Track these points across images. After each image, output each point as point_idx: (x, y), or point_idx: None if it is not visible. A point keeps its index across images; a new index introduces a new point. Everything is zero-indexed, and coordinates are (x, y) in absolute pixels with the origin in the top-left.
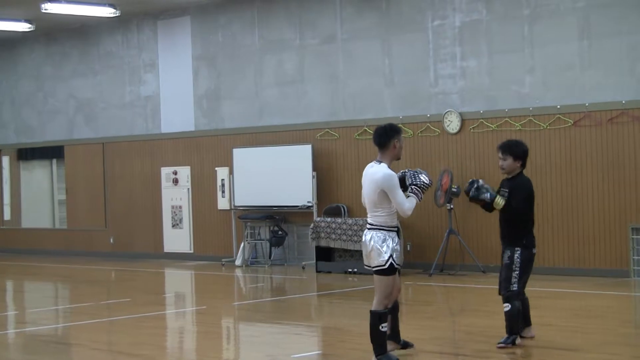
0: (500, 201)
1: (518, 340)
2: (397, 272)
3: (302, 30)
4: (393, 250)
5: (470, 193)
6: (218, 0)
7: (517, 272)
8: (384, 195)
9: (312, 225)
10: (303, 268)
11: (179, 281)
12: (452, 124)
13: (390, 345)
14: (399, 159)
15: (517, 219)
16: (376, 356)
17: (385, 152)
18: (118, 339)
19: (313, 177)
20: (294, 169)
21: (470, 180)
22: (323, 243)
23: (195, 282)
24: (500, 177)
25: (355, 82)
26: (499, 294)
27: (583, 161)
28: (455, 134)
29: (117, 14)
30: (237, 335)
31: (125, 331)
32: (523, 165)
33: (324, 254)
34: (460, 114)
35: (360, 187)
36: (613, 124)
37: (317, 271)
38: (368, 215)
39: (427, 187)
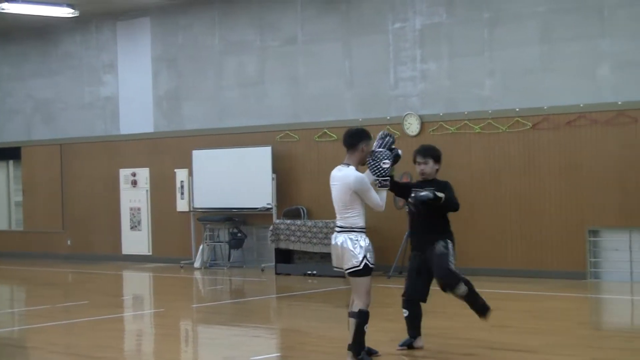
0: (441, 194)
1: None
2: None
3: (263, 32)
4: (367, 250)
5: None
6: (178, 2)
7: (452, 260)
8: (355, 197)
9: (271, 227)
10: (262, 270)
11: (137, 283)
12: (412, 126)
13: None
14: (364, 164)
15: (452, 210)
16: (357, 356)
17: (353, 155)
18: (76, 342)
19: (273, 179)
20: (254, 171)
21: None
22: (282, 245)
23: (153, 285)
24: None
25: (316, 85)
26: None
27: (541, 164)
28: (415, 136)
29: (76, 15)
30: (195, 338)
31: (83, 334)
32: (438, 169)
33: (284, 256)
34: (420, 116)
35: (320, 189)
36: (571, 127)
37: (277, 273)
38: (337, 218)
39: (387, 172)
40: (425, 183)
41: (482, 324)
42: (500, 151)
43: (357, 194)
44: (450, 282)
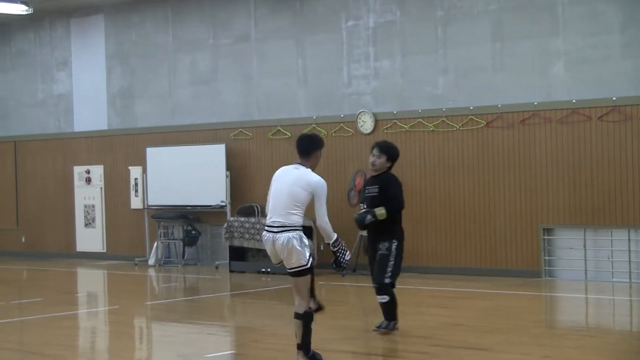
0: (381, 211)
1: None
2: None
3: (216, 29)
4: (310, 248)
5: (365, 221)
6: None
7: (393, 263)
8: (309, 199)
9: (225, 225)
10: (216, 268)
11: (91, 281)
12: (366, 124)
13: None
14: (313, 169)
15: (395, 212)
16: (307, 355)
17: (307, 161)
18: (29, 339)
19: (227, 176)
20: (208, 169)
21: (359, 215)
22: (236, 243)
23: (107, 282)
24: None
25: (269, 82)
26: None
27: (495, 162)
28: (369, 134)
29: (30, 12)
30: (149, 335)
31: (36, 331)
32: (391, 167)
33: (238, 254)
34: (374, 114)
35: None
36: (525, 125)
37: (231, 271)
38: (275, 215)
39: (344, 262)
40: (374, 178)
41: (436, 323)
42: (454, 149)
43: (314, 196)
44: (379, 290)
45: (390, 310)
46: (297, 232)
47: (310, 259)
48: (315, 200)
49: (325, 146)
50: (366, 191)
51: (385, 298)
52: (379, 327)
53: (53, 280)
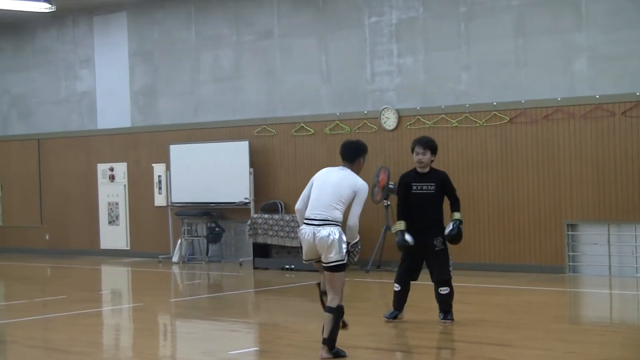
0: (460, 216)
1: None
2: None
3: (239, 26)
4: (346, 244)
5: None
6: None
7: (449, 257)
8: (352, 198)
9: (249, 221)
10: (240, 265)
11: (115, 278)
12: (389, 120)
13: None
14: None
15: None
16: (331, 350)
17: (351, 166)
18: (53, 336)
19: (250, 173)
20: (231, 166)
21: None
22: (260, 240)
23: (131, 279)
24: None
25: (292, 79)
26: (395, 281)
27: (519, 158)
28: (392, 130)
29: (53, 10)
30: (173, 332)
31: (60, 328)
32: (432, 161)
33: (261, 251)
34: (397, 110)
35: (297, 184)
36: (548, 121)
37: (255, 268)
38: (317, 211)
39: (352, 261)
40: (422, 175)
41: (458, 319)
42: (477, 145)
43: (356, 196)
44: (443, 283)
45: (449, 301)
46: (338, 227)
47: (347, 256)
48: (354, 200)
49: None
50: (415, 188)
51: (447, 289)
52: (443, 319)
53: (77, 277)
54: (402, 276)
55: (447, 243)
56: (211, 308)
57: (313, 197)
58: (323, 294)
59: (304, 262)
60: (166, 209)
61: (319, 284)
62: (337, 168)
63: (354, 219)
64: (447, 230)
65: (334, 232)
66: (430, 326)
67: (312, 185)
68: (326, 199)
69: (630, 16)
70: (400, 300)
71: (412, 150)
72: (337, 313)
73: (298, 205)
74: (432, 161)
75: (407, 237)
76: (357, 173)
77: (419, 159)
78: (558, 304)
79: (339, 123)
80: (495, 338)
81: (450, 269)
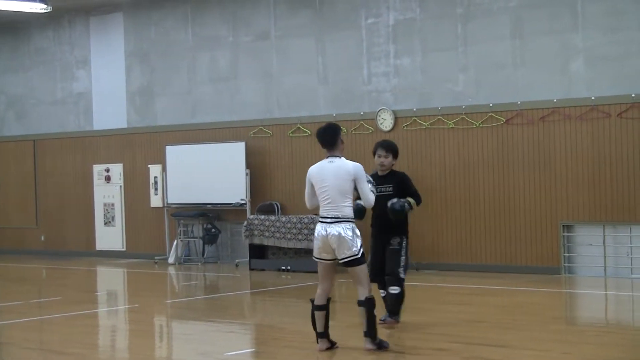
0: (414, 203)
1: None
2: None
3: (236, 27)
4: (360, 238)
5: (405, 211)
6: None
7: (404, 258)
8: (353, 186)
9: (245, 222)
10: (236, 266)
11: (111, 279)
12: (386, 121)
13: (323, 344)
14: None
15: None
16: (375, 341)
17: (336, 150)
18: (49, 338)
19: (246, 174)
20: (228, 167)
21: (400, 205)
22: (256, 241)
23: (127, 280)
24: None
25: (289, 80)
26: (374, 280)
27: (515, 159)
28: (389, 131)
29: (49, 10)
30: (169, 333)
31: (56, 330)
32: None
33: (258, 252)
34: (394, 111)
35: (294, 185)
36: (545, 122)
37: (251, 269)
38: (329, 209)
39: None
40: (382, 177)
41: (455, 319)
42: (474, 146)
43: (356, 180)
44: (393, 281)
45: (398, 304)
46: (350, 223)
47: (362, 250)
48: (357, 184)
49: (345, 144)
50: (377, 191)
51: (397, 289)
52: (383, 320)
53: (73, 278)
54: (376, 280)
55: (404, 244)
56: (207, 309)
57: (321, 197)
58: (316, 308)
59: (315, 259)
60: (162, 210)
61: (312, 300)
62: (326, 161)
63: (368, 198)
64: (389, 202)
65: (346, 228)
66: (426, 327)
67: (311, 184)
68: (332, 198)
69: (626, 17)
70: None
71: (374, 153)
72: (368, 304)
73: (308, 205)
74: (392, 165)
75: (405, 207)
76: (342, 152)
77: (381, 162)
78: (554, 305)
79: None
80: (491, 339)
81: (402, 269)
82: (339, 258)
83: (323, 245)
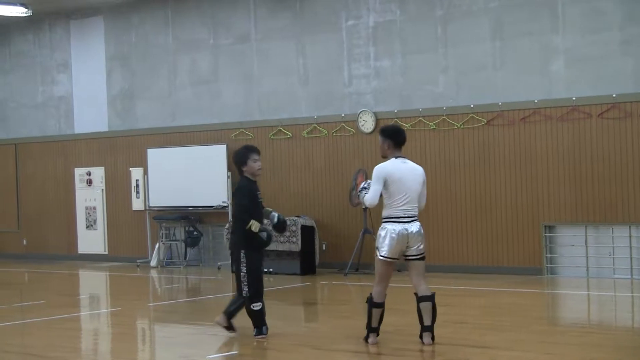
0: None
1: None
2: None
3: (216, 30)
4: None
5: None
6: (131, 0)
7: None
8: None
9: (227, 225)
10: (219, 268)
11: (93, 283)
12: (367, 123)
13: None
14: None
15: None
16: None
17: (401, 150)
18: (31, 342)
19: (228, 177)
20: (209, 169)
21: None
22: None
23: (110, 284)
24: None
25: (270, 82)
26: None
27: (496, 160)
28: (370, 133)
29: (29, 14)
30: (152, 336)
31: (38, 333)
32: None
33: None
34: (375, 113)
35: (275, 187)
36: (525, 123)
37: (233, 271)
38: (408, 208)
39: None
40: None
41: (438, 321)
42: (455, 148)
43: (424, 183)
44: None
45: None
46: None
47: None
48: (423, 187)
49: (326, 146)
50: (259, 197)
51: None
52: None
53: (55, 282)
54: None
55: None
56: (190, 312)
57: (397, 196)
58: (377, 305)
59: (385, 258)
60: (144, 213)
61: (370, 298)
62: (398, 161)
63: (424, 203)
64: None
65: (420, 226)
66: (410, 329)
67: (384, 181)
68: (412, 197)
69: (606, 18)
70: None
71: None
72: (434, 299)
73: (372, 202)
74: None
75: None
76: None
77: (260, 166)
78: (536, 305)
79: (317, 126)
80: (474, 340)
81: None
82: (415, 254)
83: (399, 245)
